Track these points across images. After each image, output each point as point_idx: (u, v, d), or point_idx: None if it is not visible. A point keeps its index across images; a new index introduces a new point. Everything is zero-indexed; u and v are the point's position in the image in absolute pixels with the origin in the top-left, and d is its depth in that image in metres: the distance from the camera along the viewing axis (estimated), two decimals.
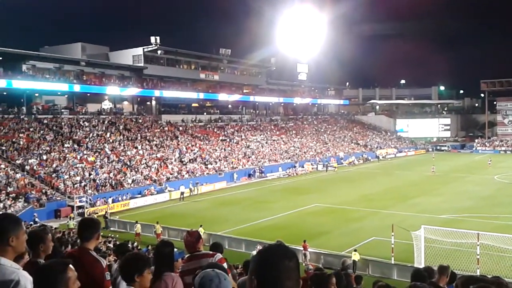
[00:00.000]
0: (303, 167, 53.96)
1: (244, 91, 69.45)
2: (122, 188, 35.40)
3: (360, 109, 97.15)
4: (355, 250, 18.94)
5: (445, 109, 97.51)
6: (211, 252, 4.70)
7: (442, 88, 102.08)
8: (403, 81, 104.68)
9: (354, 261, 17.73)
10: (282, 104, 77.76)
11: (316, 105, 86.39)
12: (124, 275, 3.31)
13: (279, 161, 54.09)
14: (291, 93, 78.54)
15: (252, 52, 68.98)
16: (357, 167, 57.42)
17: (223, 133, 56.90)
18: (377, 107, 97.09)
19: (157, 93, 54.49)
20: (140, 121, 50.77)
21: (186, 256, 4.79)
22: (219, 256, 4.58)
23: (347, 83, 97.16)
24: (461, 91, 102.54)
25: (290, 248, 1.75)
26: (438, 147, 79.37)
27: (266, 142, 59.34)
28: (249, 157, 51.87)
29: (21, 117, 40.77)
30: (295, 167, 53.02)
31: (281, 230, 24.91)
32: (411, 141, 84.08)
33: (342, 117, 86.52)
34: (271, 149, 57.31)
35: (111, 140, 42.95)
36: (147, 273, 3.28)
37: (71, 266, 2.61)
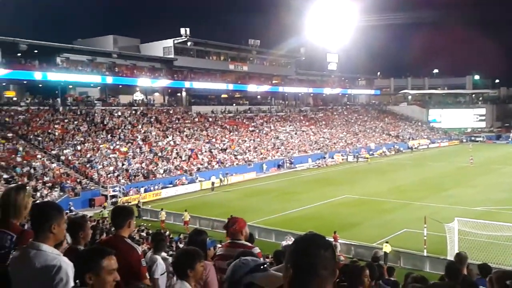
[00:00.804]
0: (333, 158, 53.53)
1: (273, 81, 69.22)
2: (154, 178, 36.02)
3: (391, 99, 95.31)
4: (386, 242, 18.73)
5: (480, 99, 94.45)
6: (249, 245, 4.71)
7: (476, 77, 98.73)
8: (436, 71, 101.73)
9: (385, 252, 17.53)
10: (312, 94, 77.10)
11: (346, 95, 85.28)
12: (177, 271, 3.44)
13: (309, 152, 53.82)
14: (320, 83, 77.78)
15: (281, 42, 68.62)
16: (388, 158, 56.55)
17: (252, 124, 56.99)
18: (409, 97, 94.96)
19: (187, 84, 54.97)
20: (171, 112, 51.42)
21: (227, 241, 4.87)
22: (257, 249, 4.60)
23: (378, 73, 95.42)
24: (497, 81, 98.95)
25: (326, 238, 1.74)
26: (473, 138, 77.20)
27: (296, 133, 59.11)
28: (278, 148, 51.83)
29: (56, 108, 41.93)
30: (324, 158, 52.64)
31: (311, 221, 24.84)
32: (444, 131, 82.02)
33: (373, 108, 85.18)
34: (300, 140, 57.07)
35: (142, 131, 43.70)
36: (199, 266, 3.40)
37: (112, 255, 2.67)
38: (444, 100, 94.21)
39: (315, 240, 1.70)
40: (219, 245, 5.39)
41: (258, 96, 67.93)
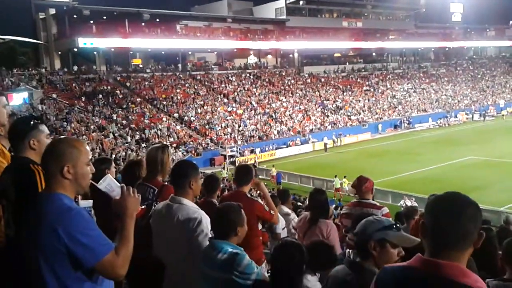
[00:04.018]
0: (456, 117, 49.68)
1: (390, 37, 65.32)
2: (268, 139, 36.92)
3: None
4: None
5: None
6: (378, 204, 4.64)
7: None
8: None
9: None
10: (433, 49, 71.39)
11: (472, 48, 77.45)
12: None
13: (429, 111, 50.56)
14: (443, 36, 71.39)
15: None
16: None
17: (367, 83, 54.85)
18: None
19: (299, 45, 54.44)
20: (283, 74, 51.60)
21: (354, 200, 4.86)
22: (385, 210, 4.50)
23: (511, 22, 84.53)
24: None
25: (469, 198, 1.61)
26: None
27: (414, 91, 55.69)
28: (395, 107, 49.46)
29: (177, 74, 44.60)
30: (447, 117, 49.06)
31: (432, 183, 23.48)
32: None
33: (503, 61, 76.29)
34: (419, 99, 53.72)
35: (256, 94, 44.68)
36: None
37: (242, 209, 2.84)
38: None
39: (459, 199, 1.60)
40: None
41: (373, 54, 64.79)
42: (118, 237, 2.10)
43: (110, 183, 2.43)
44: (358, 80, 55.23)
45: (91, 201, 2.69)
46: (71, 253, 1.94)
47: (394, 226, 2.25)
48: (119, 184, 2.39)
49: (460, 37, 73.06)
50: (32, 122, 2.75)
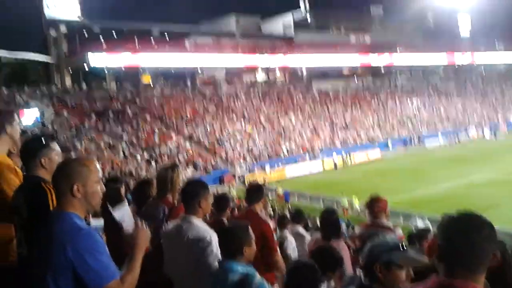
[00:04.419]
0: (467, 134, 49.34)
1: (398, 52, 65.28)
2: (277, 157, 36.82)
3: None
4: None
5: None
6: (391, 226, 4.58)
7: None
8: None
9: None
10: (442, 66, 71.17)
11: (483, 64, 77.10)
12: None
13: (439, 127, 50.27)
14: (451, 51, 71.23)
15: (406, 7, 64.07)
16: None
17: (375, 99, 54.71)
18: None
19: (306, 60, 54.50)
20: (291, 90, 51.65)
21: (366, 222, 4.81)
22: (399, 232, 4.43)
23: None
24: None
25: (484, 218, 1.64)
26: None
27: (424, 108, 55.46)
28: (404, 124, 49.25)
29: (186, 91, 44.78)
30: (457, 134, 48.74)
31: (443, 202, 23.11)
32: None
33: None
34: (429, 115, 53.49)
35: (265, 111, 44.70)
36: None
37: (250, 228, 2.86)
38: None
39: (474, 220, 1.63)
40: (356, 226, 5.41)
41: (382, 70, 64.76)
42: (125, 266, 2.13)
43: (124, 214, 2.46)
44: (367, 96, 55.08)
45: (102, 220, 2.73)
46: (76, 271, 1.96)
47: (401, 247, 2.24)
48: (131, 215, 2.40)
49: (468, 52, 72.73)
50: (43, 140, 2.79)
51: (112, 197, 3.29)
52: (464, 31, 72.36)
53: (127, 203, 2.45)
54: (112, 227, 2.93)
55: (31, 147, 2.76)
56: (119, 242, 2.71)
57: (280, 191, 27.14)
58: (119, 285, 2.01)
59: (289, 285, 2.61)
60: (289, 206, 23.66)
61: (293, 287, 2.56)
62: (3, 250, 2.63)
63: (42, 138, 2.83)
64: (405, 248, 2.24)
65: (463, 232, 1.56)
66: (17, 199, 2.55)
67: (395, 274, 2.18)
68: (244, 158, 35.34)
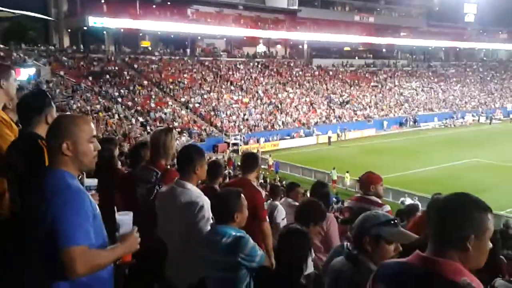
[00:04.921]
0: (463, 118, 49.44)
1: (401, 34, 64.79)
2: (272, 129, 36.87)
3: None
4: None
5: None
6: (379, 202, 4.56)
7: None
8: None
9: None
10: (443, 48, 70.79)
11: (484, 50, 76.69)
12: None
13: (435, 110, 50.30)
14: (454, 36, 70.71)
15: None
16: None
17: (375, 78, 54.53)
18: None
19: (309, 36, 54.04)
20: (292, 64, 51.37)
21: (356, 195, 4.81)
22: (387, 208, 4.44)
23: None
24: None
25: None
26: None
27: (422, 90, 55.37)
28: (401, 105, 49.25)
29: (185, 59, 44.43)
30: (453, 117, 48.83)
31: (434, 183, 23.32)
32: None
33: None
34: (427, 97, 53.44)
35: (264, 83, 44.52)
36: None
37: (242, 195, 2.84)
38: None
39: (471, 201, 1.62)
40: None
41: (383, 50, 64.34)
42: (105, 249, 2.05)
43: (127, 220, 2.43)
44: (366, 75, 54.91)
45: (96, 180, 2.70)
46: (51, 228, 1.87)
47: (392, 222, 2.24)
48: (131, 224, 2.39)
49: (472, 38, 72.33)
50: (47, 98, 2.77)
51: (103, 157, 3.22)
52: (469, 17, 71.57)
53: (132, 214, 2.44)
54: (107, 184, 2.87)
55: (36, 102, 2.71)
56: (112, 199, 2.69)
57: (270, 161, 27.32)
58: (81, 253, 1.85)
59: (280, 249, 2.67)
60: (279, 177, 23.87)
61: (284, 252, 2.60)
62: None
63: (45, 95, 2.80)
64: (396, 223, 2.26)
65: (455, 213, 1.55)
66: (12, 154, 2.50)
67: (384, 248, 2.19)
68: (240, 129, 35.37)
